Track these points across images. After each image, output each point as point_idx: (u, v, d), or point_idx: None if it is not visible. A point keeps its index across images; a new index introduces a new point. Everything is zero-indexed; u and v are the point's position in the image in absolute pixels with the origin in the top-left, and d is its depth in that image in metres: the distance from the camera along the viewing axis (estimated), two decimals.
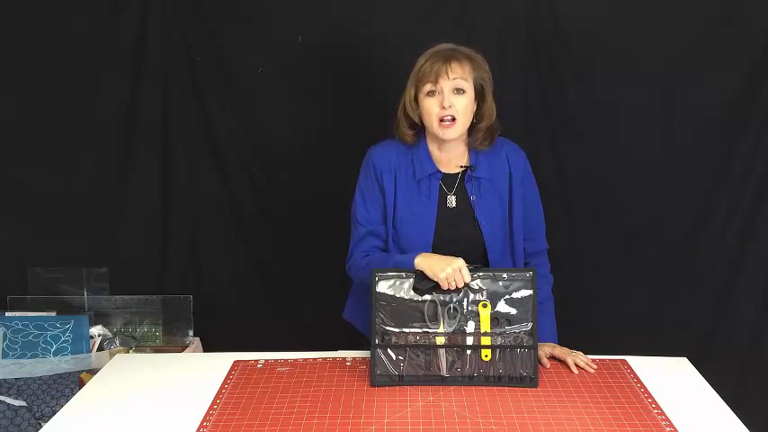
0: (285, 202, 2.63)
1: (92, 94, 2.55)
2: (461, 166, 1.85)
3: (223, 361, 1.85)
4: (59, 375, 2.33)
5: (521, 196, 1.88)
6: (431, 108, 1.76)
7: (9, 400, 2.23)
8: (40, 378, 2.31)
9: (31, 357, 2.46)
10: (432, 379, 1.68)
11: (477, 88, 1.79)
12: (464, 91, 1.76)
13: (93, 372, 2.24)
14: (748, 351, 2.59)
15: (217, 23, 2.51)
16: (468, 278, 1.67)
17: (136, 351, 2.53)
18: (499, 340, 1.68)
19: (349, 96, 2.52)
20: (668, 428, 1.50)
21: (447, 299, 1.69)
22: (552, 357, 1.82)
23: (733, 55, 2.41)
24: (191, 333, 2.64)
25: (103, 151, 2.60)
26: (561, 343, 1.88)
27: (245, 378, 1.75)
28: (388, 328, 1.68)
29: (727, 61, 2.42)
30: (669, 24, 2.40)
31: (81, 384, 2.25)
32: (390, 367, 1.68)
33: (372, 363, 1.69)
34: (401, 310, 1.69)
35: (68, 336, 2.51)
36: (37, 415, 2.20)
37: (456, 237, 1.80)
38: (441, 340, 1.68)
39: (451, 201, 1.84)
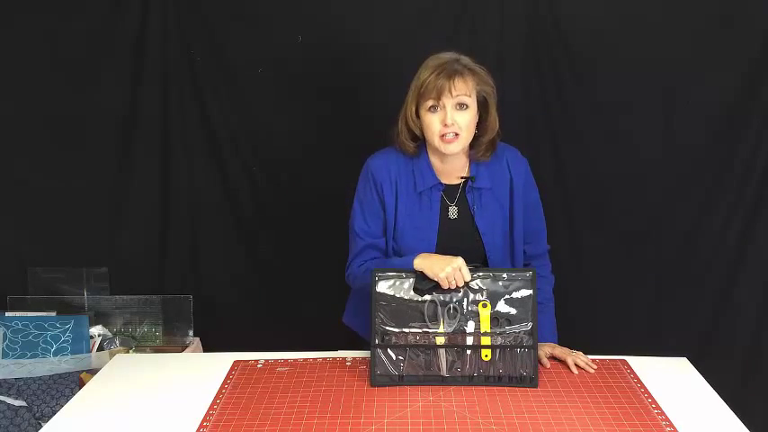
0: (285, 202, 2.63)
1: (92, 94, 2.55)
2: (462, 178, 1.84)
3: (223, 361, 1.85)
4: (59, 375, 2.33)
5: (522, 203, 1.87)
6: (432, 124, 1.72)
7: (9, 400, 2.23)
8: (40, 378, 2.31)
9: (31, 357, 2.46)
10: (432, 379, 1.68)
11: (479, 100, 1.75)
12: (467, 106, 1.72)
13: (93, 372, 2.24)
14: (748, 351, 2.59)
15: (217, 23, 2.51)
16: (468, 277, 1.67)
17: (136, 351, 2.53)
18: (499, 340, 1.68)
19: (349, 96, 2.52)
20: (668, 428, 1.50)
21: (447, 299, 1.69)
22: (552, 357, 1.82)
23: (733, 55, 2.41)
24: (191, 333, 2.64)
25: (103, 151, 2.60)
26: (561, 343, 1.88)
27: (245, 378, 1.75)
28: (387, 328, 1.68)
29: (727, 61, 2.42)
30: (669, 24, 2.40)
31: (81, 384, 2.25)
32: (390, 367, 1.68)
33: (372, 363, 1.69)
34: (401, 310, 1.68)
35: (68, 336, 2.51)
36: (37, 415, 2.20)
37: (457, 247, 1.77)
38: (441, 340, 1.68)
39: (453, 212, 1.83)
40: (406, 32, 2.44)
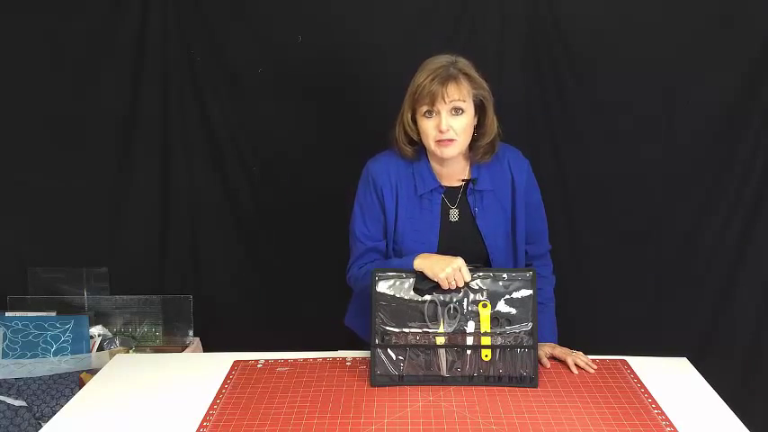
0: (285, 202, 2.63)
1: (92, 94, 2.55)
2: (463, 180, 1.83)
3: (223, 361, 1.85)
4: (59, 375, 2.33)
5: (524, 203, 1.87)
6: (428, 130, 1.72)
7: (9, 400, 2.23)
8: (40, 378, 2.31)
9: (31, 357, 2.46)
10: (432, 379, 1.68)
11: (476, 103, 1.75)
12: (463, 111, 1.71)
13: (93, 372, 2.24)
14: (748, 351, 2.59)
15: (217, 23, 2.51)
16: (468, 277, 1.67)
17: (136, 351, 2.53)
18: (499, 340, 1.68)
19: (349, 96, 2.52)
20: (668, 428, 1.50)
21: (447, 299, 1.69)
22: (552, 357, 1.82)
23: (733, 55, 2.41)
24: (191, 333, 2.64)
25: (103, 151, 2.60)
26: (561, 343, 1.88)
27: (245, 378, 1.75)
28: (388, 328, 1.68)
29: (727, 61, 2.41)
30: (669, 24, 2.40)
31: (81, 384, 2.25)
32: (390, 367, 1.68)
33: (372, 363, 1.69)
34: (401, 310, 1.68)
35: (68, 336, 2.51)
36: (37, 415, 2.20)
37: (459, 250, 1.76)
38: (441, 340, 1.68)
39: (454, 214, 1.83)
40: (406, 32, 2.44)
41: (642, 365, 1.80)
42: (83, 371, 2.36)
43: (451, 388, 1.67)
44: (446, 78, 1.68)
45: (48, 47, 2.52)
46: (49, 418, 1.69)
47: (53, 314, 2.58)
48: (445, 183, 1.83)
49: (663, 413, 1.56)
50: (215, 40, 2.52)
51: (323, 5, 2.47)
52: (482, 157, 1.80)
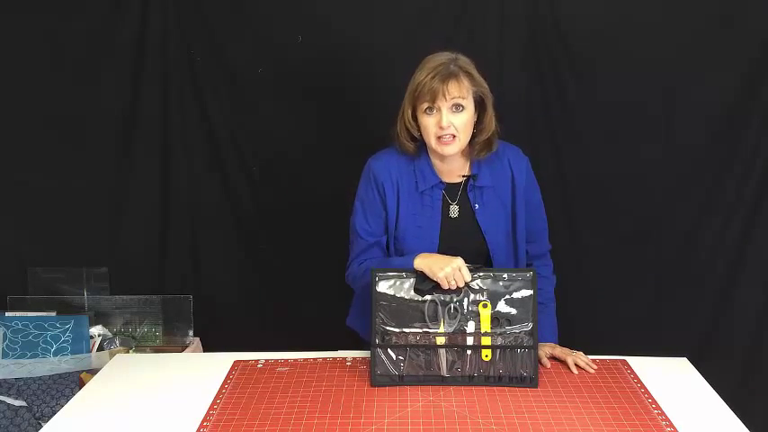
0: (285, 202, 2.63)
1: (92, 95, 2.55)
2: (463, 176, 1.84)
3: (223, 361, 1.85)
4: (59, 375, 2.33)
5: (524, 201, 1.87)
6: (429, 126, 1.73)
7: (9, 400, 2.23)
8: (40, 378, 2.31)
9: (31, 357, 2.46)
10: (432, 379, 1.68)
11: (476, 100, 1.76)
12: (463, 107, 1.72)
13: (93, 372, 2.24)
14: (748, 351, 2.59)
15: (217, 23, 2.51)
16: (467, 277, 1.67)
17: (136, 351, 2.53)
18: (499, 340, 1.68)
19: (349, 96, 2.52)
20: (668, 428, 1.50)
21: (447, 299, 1.69)
22: (552, 357, 1.82)
23: (733, 55, 2.41)
24: (191, 333, 2.64)
25: (103, 151, 2.60)
26: (561, 343, 1.88)
27: (245, 378, 1.75)
28: (388, 328, 1.68)
29: (727, 61, 2.41)
30: (669, 24, 2.40)
31: (81, 384, 2.25)
32: (390, 367, 1.68)
33: (372, 363, 1.69)
34: (401, 310, 1.69)
35: (68, 336, 2.51)
36: (37, 415, 2.20)
37: (460, 246, 1.77)
38: (441, 340, 1.68)
39: (454, 211, 1.83)
40: (406, 32, 2.44)
41: (642, 365, 1.80)
42: (83, 371, 2.36)
43: (451, 388, 1.67)
44: (447, 76, 1.69)
45: (48, 47, 2.52)
46: (49, 418, 1.69)
47: (53, 314, 2.58)
48: (446, 179, 1.84)
49: (663, 413, 1.56)
50: (215, 40, 2.52)
51: (323, 5, 2.47)
52: (479, 153, 1.80)
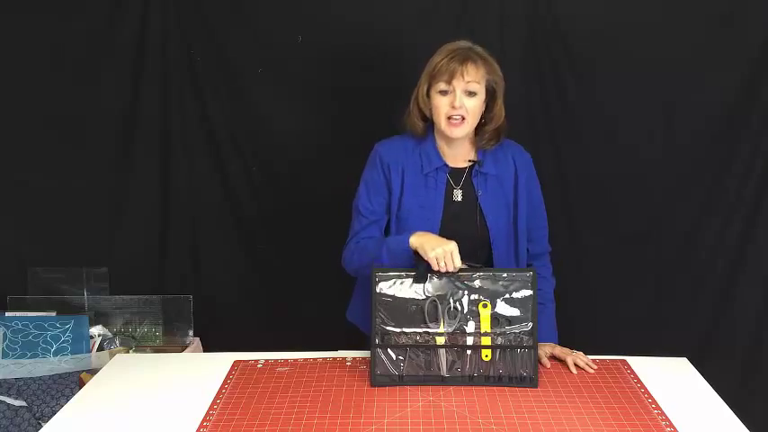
0: (285, 202, 2.63)
1: (92, 94, 2.55)
2: (470, 161, 1.87)
3: (223, 361, 1.85)
4: (59, 375, 2.33)
5: (526, 198, 1.89)
6: (441, 106, 1.77)
7: (9, 400, 2.23)
8: (40, 378, 2.31)
9: (31, 357, 2.46)
10: (432, 379, 1.68)
11: (488, 90, 1.80)
12: (476, 93, 1.77)
13: (93, 372, 2.24)
14: (748, 351, 2.59)
15: (217, 23, 2.51)
16: (458, 263, 1.66)
17: (136, 351, 2.52)
18: (499, 340, 1.68)
19: (349, 96, 2.52)
20: (668, 428, 1.50)
21: (447, 297, 1.68)
22: (552, 357, 1.82)
23: (733, 55, 2.41)
24: (191, 333, 2.64)
25: (103, 151, 2.60)
26: (561, 343, 1.88)
27: (245, 378, 1.75)
28: (388, 327, 1.68)
29: (727, 61, 2.41)
30: (669, 24, 2.40)
31: (81, 384, 2.25)
32: (390, 367, 1.68)
33: (372, 363, 1.69)
34: (401, 310, 1.69)
35: (68, 336, 2.51)
36: (37, 415, 2.20)
37: (461, 231, 1.79)
38: (441, 340, 1.68)
39: (458, 195, 1.86)
40: (406, 32, 2.44)
41: (642, 365, 1.80)
42: (83, 371, 2.36)
43: (451, 388, 1.66)
44: (466, 58, 1.75)
45: (48, 47, 2.52)
46: (49, 418, 1.69)
47: (53, 314, 2.57)
48: (451, 164, 1.87)
49: (663, 413, 1.56)
50: (215, 40, 2.52)
51: (323, 5, 2.47)
52: (487, 142, 1.85)
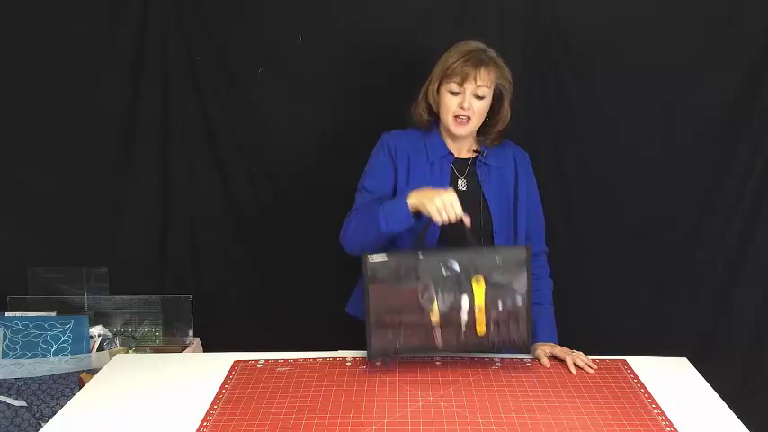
0: (285, 202, 2.63)
1: (92, 94, 2.55)
2: (474, 151, 1.93)
3: (223, 361, 1.85)
4: (59, 375, 2.33)
5: (525, 194, 1.93)
6: (449, 104, 1.84)
7: (9, 400, 2.23)
8: (40, 378, 2.31)
9: (31, 357, 2.46)
10: (428, 349, 1.71)
11: (496, 93, 1.87)
12: (484, 96, 1.84)
13: (93, 372, 2.24)
14: (748, 351, 2.59)
15: (217, 23, 2.50)
16: (458, 209, 1.65)
17: (136, 351, 2.53)
18: (493, 314, 1.69)
19: (349, 96, 2.52)
20: (668, 428, 1.50)
21: (440, 277, 1.67)
22: (552, 357, 1.82)
23: (733, 55, 2.41)
24: (191, 333, 2.64)
25: (103, 151, 2.60)
26: (561, 343, 1.88)
27: (245, 378, 1.75)
28: (382, 309, 1.69)
29: (727, 61, 2.41)
30: (669, 24, 2.40)
31: (81, 384, 2.25)
32: (387, 344, 1.71)
33: (368, 338, 1.71)
34: (395, 291, 1.69)
35: (68, 336, 2.51)
36: (37, 415, 2.20)
37: None
38: (435, 318, 1.69)
39: (462, 184, 1.89)
40: (406, 32, 2.44)
41: (642, 365, 1.80)
42: (83, 371, 2.36)
43: (451, 388, 1.66)
44: (479, 62, 1.81)
45: (48, 47, 2.52)
46: (49, 418, 1.69)
47: (53, 314, 2.57)
48: (455, 154, 1.92)
49: (663, 413, 1.56)
50: (215, 40, 2.52)
51: (323, 5, 2.47)
52: (491, 142, 1.93)
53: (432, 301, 1.68)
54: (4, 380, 2.30)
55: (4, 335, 2.50)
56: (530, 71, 2.47)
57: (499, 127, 1.91)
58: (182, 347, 2.59)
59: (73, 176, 2.62)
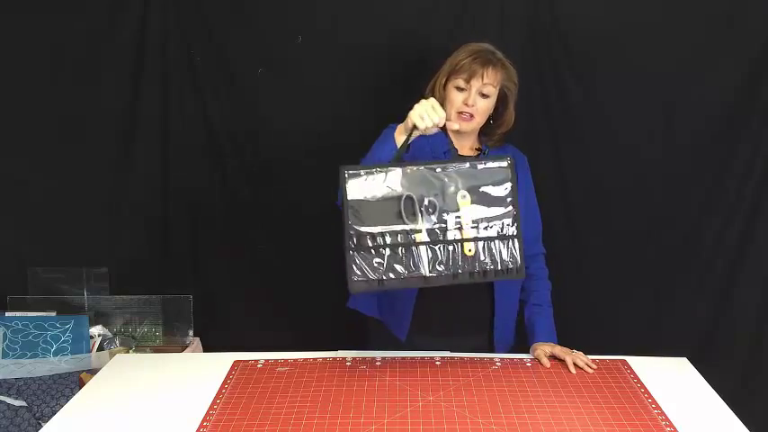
0: (285, 202, 2.63)
1: (92, 94, 2.55)
2: (477, 149, 1.94)
3: (223, 361, 1.85)
4: (59, 375, 2.33)
5: (525, 195, 1.91)
6: (455, 100, 1.86)
7: (9, 400, 2.23)
8: (40, 378, 2.31)
9: (31, 357, 2.46)
10: (413, 281, 1.62)
11: (500, 95, 1.89)
12: (489, 95, 1.86)
13: (93, 372, 2.24)
14: (748, 351, 2.59)
15: (217, 23, 2.50)
16: (441, 112, 1.64)
17: (136, 351, 2.52)
18: (482, 233, 1.63)
19: (349, 96, 2.52)
20: (668, 428, 1.50)
21: (424, 192, 1.62)
22: (552, 357, 1.82)
23: (733, 55, 2.41)
24: (191, 333, 2.64)
25: (103, 151, 2.60)
26: (561, 343, 1.88)
27: (245, 378, 1.75)
28: (362, 229, 1.60)
29: (727, 61, 2.41)
30: (669, 24, 2.40)
31: (81, 384, 2.25)
32: (368, 271, 1.60)
33: (348, 268, 1.60)
34: (376, 209, 1.60)
35: (68, 336, 2.51)
36: (37, 415, 2.20)
37: None
38: (420, 238, 1.61)
39: None
40: (406, 32, 2.44)
41: (642, 365, 1.80)
42: (83, 371, 2.36)
43: (451, 388, 1.66)
44: (487, 61, 1.85)
45: (48, 47, 2.52)
46: (49, 418, 1.69)
47: (53, 314, 2.57)
48: (458, 151, 1.93)
49: (663, 413, 1.56)
50: (215, 40, 2.52)
51: (323, 6, 2.47)
52: (494, 143, 1.97)
53: (416, 218, 1.60)
54: (4, 380, 2.30)
55: (4, 335, 2.50)
56: (530, 71, 2.46)
57: (503, 129, 1.94)
58: (182, 347, 2.59)
59: (73, 176, 2.61)
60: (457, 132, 1.91)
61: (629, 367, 1.80)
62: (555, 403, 1.61)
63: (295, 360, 1.84)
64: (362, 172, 1.63)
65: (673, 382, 1.72)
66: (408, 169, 1.63)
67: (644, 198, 2.54)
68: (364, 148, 1.91)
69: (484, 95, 1.85)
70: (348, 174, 1.62)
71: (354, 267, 1.61)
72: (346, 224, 1.61)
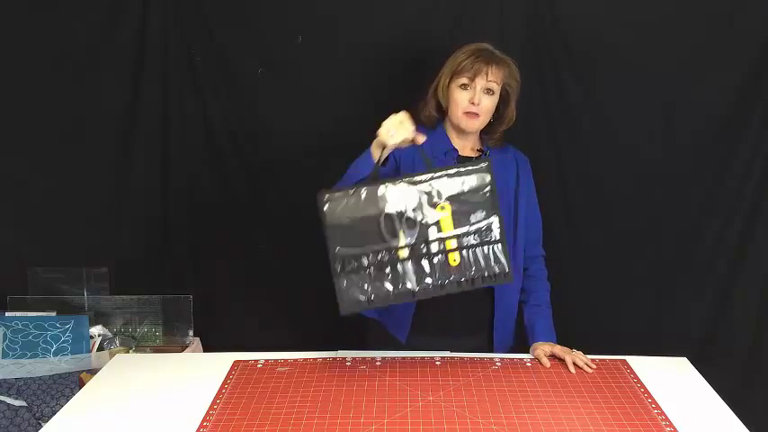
0: (285, 202, 2.63)
1: (92, 94, 2.55)
2: (478, 150, 1.94)
3: (223, 361, 1.85)
4: (59, 375, 2.33)
5: (526, 197, 1.93)
6: (460, 100, 1.86)
7: (9, 400, 2.23)
8: (40, 378, 2.31)
9: (31, 357, 2.46)
10: (402, 296, 1.63)
11: (502, 93, 1.89)
12: (493, 92, 1.87)
13: (93, 372, 2.24)
14: (748, 351, 2.59)
15: (217, 23, 2.50)
16: (410, 127, 1.62)
17: (136, 351, 2.52)
18: (464, 241, 1.62)
19: (349, 96, 2.52)
20: (668, 428, 1.50)
21: (402, 209, 1.61)
22: (552, 356, 1.82)
23: (733, 55, 2.41)
24: (191, 333, 2.63)
25: (103, 151, 2.60)
26: (561, 343, 1.88)
27: (245, 378, 1.75)
28: (346, 251, 1.61)
29: (727, 61, 2.42)
30: (669, 24, 2.40)
31: (81, 384, 2.25)
32: (357, 293, 1.62)
33: (338, 291, 1.62)
34: (357, 231, 1.61)
35: (68, 336, 2.51)
36: (37, 415, 2.20)
37: None
38: (404, 253, 1.61)
39: None
40: (406, 32, 2.44)
41: (642, 365, 1.80)
42: (83, 371, 2.36)
43: (451, 388, 1.66)
44: (490, 59, 1.85)
45: (48, 47, 2.52)
46: (49, 418, 1.69)
47: (53, 314, 2.57)
48: (460, 152, 1.93)
49: (663, 413, 1.56)
50: (215, 40, 2.52)
51: (323, 5, 2.47)
52: (495, 141, 1.96)
53: (397, 234, 1.60)
54: (4, 380, 2.30)
55: (4, 335, 2.50)
56: (530, 71, 2.46)
57: (504, 126, 1.94)
58: (182, 347, 2.59)
59: (73, 176, 2.61)
60: (460, 132, 1.92)
61: (629, 367, 1.80)
62: (555, 403, 1.61)
63: (295, 360, 1.84)
64: (340, 195, 1.63)
65: (673, 382, 1.72)
66: (387, 185, 1.63)
67: (644, 198, 2.54)
68: (364, 148, 1.91)
69: (488, 92, 1.86)
70: (327, 197, 1.63)
71: (343, 290, 1.63)
72: (330, 249, 1.63)
